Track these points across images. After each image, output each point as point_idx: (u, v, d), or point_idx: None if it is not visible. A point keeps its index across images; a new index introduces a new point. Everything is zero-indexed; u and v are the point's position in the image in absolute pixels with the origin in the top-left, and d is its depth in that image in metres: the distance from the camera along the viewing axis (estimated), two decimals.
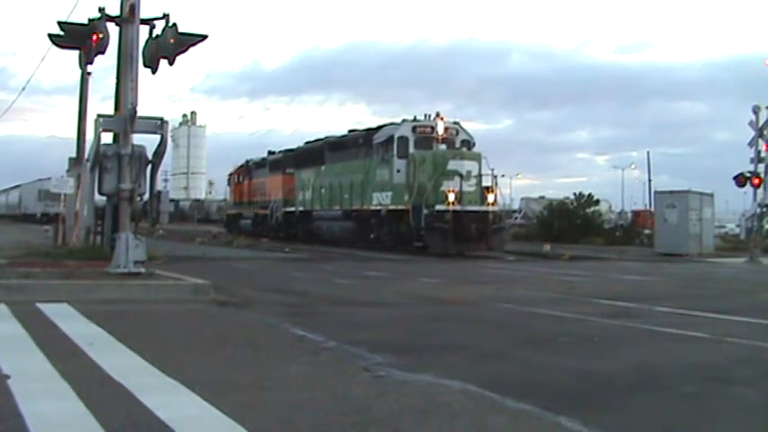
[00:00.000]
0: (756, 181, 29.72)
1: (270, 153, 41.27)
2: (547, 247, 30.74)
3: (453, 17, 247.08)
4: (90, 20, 13.63)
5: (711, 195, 34.05)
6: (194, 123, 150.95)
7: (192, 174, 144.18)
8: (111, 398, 5.02)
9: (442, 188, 25.44)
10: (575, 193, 44.98)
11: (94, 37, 13.49)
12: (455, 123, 28.59)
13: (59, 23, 14.31)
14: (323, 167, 32.90)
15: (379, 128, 29.41)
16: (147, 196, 13.70)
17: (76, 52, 14.80)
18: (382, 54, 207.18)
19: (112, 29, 13.72)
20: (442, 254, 24.70)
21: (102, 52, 13.77)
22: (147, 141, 13.61)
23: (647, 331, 9.13)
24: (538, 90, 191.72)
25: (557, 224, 41.30)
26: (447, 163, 26.01)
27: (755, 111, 30.06)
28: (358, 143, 30.20)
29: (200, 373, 5.95)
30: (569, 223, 41.19)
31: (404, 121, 28.52)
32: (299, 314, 10.00)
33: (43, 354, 6.45)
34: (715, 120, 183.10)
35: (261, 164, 41.56)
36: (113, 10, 13.75)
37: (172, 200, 75.92)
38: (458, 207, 25.18)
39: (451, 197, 25.16)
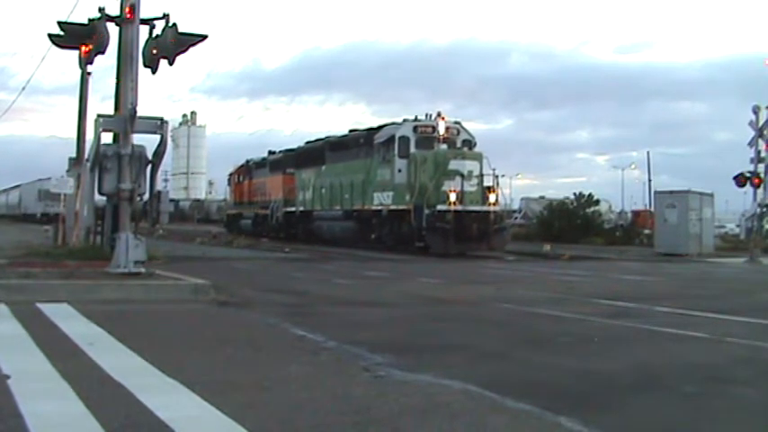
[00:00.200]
0: (756, 181, 29.73)
1: (270, 153, 41.26)
2: (547, 247, 30.73)
3: (453, 17, 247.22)
4: (90, 20, 13.63)
5: (711, 195, 34.05)
6: (194, 123, 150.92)
7: (192, 174, 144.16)
8: (111, 398, 5.02)
9: (444, 188, 25.43)
10: (575, 193, 45.03)
11: (94, 37, 13.50)
12: (456, 123, 28.58)
13: (59, 23, 14.32)
14: (323, 167, 32.89)
15: (380, 128, 29.40)
16: (147, 196, 13.70)
17: (76, 52, 14.80)
18: (382, 54, 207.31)
19: (112, 29, 13.73)
20: (443, 254, 24.70)
21: (102, 52, 13.77)
22: (147, 141, 13.63)
23: (647, 331, 9.13)
24: (538, 90, 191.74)
25: (557, 224, 41.30)
26: (448, 163, 26.01)
27: (755, 111, 30.05)
28: (359, 143, 30.18)
29: (200, 373, 5.95)
30: (569, 223, 41.19)
31: (405, 120, 28.51)
32: (299, 314, 10.00)
33: (43, 354, 6.45)
34: (715, 120, 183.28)
35: (261, 164, 41.55)
36: (113, 10, 13.77)
37: (172, 200, 75.92)
38: (459, 207, 25.18)
39: (453, 197, 25.17)
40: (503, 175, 28.28)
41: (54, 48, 14.91)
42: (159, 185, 15.45)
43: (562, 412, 4.91)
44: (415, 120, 28.21)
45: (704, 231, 32.24)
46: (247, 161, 43.94)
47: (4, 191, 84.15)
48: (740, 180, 29.72)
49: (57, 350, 6.61)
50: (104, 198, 14.04)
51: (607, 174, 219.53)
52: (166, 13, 13.25)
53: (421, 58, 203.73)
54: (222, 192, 60.29)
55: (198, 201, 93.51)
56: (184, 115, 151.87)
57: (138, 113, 13.06)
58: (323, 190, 32.69)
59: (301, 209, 34.91)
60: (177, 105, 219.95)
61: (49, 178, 26.76)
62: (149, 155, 13.42)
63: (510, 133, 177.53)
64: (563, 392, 5.77)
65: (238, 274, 17.31)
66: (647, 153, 79.76)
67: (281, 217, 36.75)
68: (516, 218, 53.20)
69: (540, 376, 6.42)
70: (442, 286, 15.28)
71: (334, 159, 32.22)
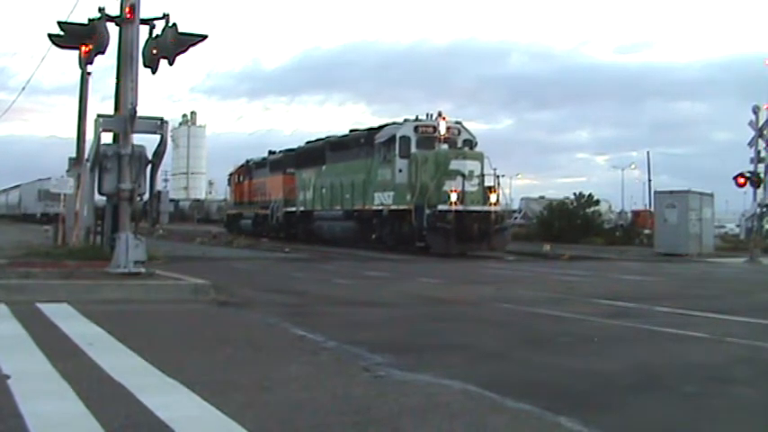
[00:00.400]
0: (756, 181, 29.72)
1: (270, 153, 41.25)
2: (547, 247, 30.73)
3: (453, 17, 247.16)
4: (90, 20, 13.63)
5: (711, 195, 34.04)
6: (194, 123, 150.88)
7: (192, 174, 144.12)
8: (111, 398, 5.02)
9: (445, 188, 25.42)
10: (575, 193, 45.04)
11: (94, 37, 13.50)
12: (457, 123, 28.57)
13: (59, 23, 14.32)
14: (324, 167, 32.89)
15: (381, 127, 29.40)
16: (147, 196, 13.71)
17: (76, 52, 14.80)
18: (382, 54, 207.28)
19: (112, 29, 13.73)
20: (443, 254, 24.70)
21: (102, 52, 13.77)
22: (147, 141, 13.63)
23: (647, 331, 9.13)
24: (538, 90, 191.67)
25: (557, 224, 41.30)
26: (449, 163, 26.00)
27: (755, 111, 30.05)
28: (359, 143, 30.17)
29: (200, 373, 5.95)
30: (569, 223, 41.19)
31: (406, 120, 28.50)
32: (299, 314, 10.00)
33: (43, 354, 6.45)
34: (715, 120, 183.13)
35: (261, 164, 41.55)
36: (113, 10, 13.77)
37: (172, 200, 75.92)
38: (460, 207, 25.17)
39: (454, 197, 25.16)
40: (503, 175, 28.20)
41: (54, 48, 14.91)
42: (159, 185, 15.44)
43: (562, 412, 4.91)
44: (416, 120, 28.20)
45: (704, 231, 32.24)
46: (247, 161, 43.93)
47: (4, 191, 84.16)
48: (740, 180, 29.73)
49: (57, 350, 6.61)
50: (104, 198, 14.04)
51: (607, 174, 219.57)
52: (166, 13, 13.26)
53: (421, 58, 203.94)
54: (222, 192, 60.31)
55: (198, 201, 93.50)
56: (184, 115, 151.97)
57: (138, 113, 13.06)
58: (323, 190, 32.69)
59: (302, 209, 34.90)
60: (177, 105, 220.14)
61: (49, 178, 26.76)
62: (149, 155, 13.43)
63: (510, 133, 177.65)
64: (563, 392, 5.77)
65: (238, 274, 17.31)
66: (647, 153, 79.87)
67: (281, 217, 36.75)
68: (516, 218, 53.16)
69: (540, 376, 6.42)
70: (443, 286, 15.28)
71: (334, 159, 32.21)
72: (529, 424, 4.78)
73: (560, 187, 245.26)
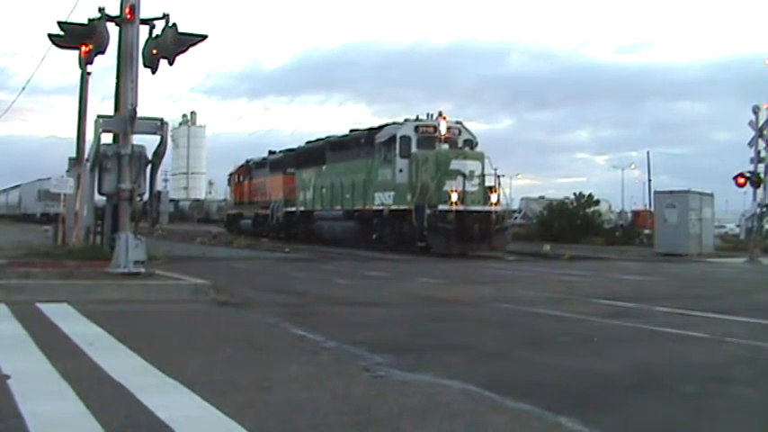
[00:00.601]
0: (756, 181, 29.72)
1: (270, 153, 41.24)
2: (547, 247, 30.73)
3: (453, 17, 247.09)
4: (90, 20, 13.63)
5: (711, 195, 34.04)
6: (194, 123, 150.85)
7: (192, 174, 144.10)
8: (111, 398, 5.02)
9: (445, 188, 25.42)
10: (575, 193, 45.05)
11: (94, 37, 13.50)
12: (458, 123, 28.57)
13: (59, 23, 14.32)
14: (324, 167, 32.89)
15: (381, 127, 29.39)
16: (146, 196, 13.71)
17: (76, 52, 14.80)
18: (382, 54, 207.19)
19: (112, 29, 13.73)
20: (444, 254, 24.70)
21: (102, 52, 13.78)
22: (147, 141, 13.64)
23: (647, 331, 9.13)
24: (538, 90, 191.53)
25: (557, 224, 41.31)
26: (450, 163, 26.00)
27: (755, 111, 30.06)
28: (360, 143, 30.17)
29: (200, 373, 5.95)
30: (569, 223, 41.20)
31: (406, 120, 28.49)
32: (299, 314, 10.00)
33: (43, 354, 6.45)
34: (715, 120, 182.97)
35: (261, 164, 41.55)
36: (113, 10, 13.77)
37: (172, 200, 75.93)
38: (461, 207, 25.17)
39: (454, 197, 25.16)
40: (503, 175, 28.16)
41: (54, 48, 14.92)
42: (159, 185, 15.44)
43: (562, 412, 4.91)
44: (417, 119, 28.20)
45: (704, 231, 32.24)
46: (247, 161, 43.93)
47: (4, 191, 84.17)
48: (740, 180, 29.73)
49: (57, 350, 6.61)
50: (104, 198, 14.05)
51: (607, 174, 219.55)
52: (166, 13, 13.26)
53: (421, 58, 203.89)
54: (222, 192, 60.33)
55: (198, 201, 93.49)
56: (184, 115, 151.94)
57: (138, 114, 13.07)
58: (323, 190, 32.68)
59: (302, 209, 34.90)
60: (177, 105, 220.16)
61: (49, 178, 26.77)
62: (149, 155, 13.43)
63: (510, 133, 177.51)
64: (563, 392, 5.77)
65: (238, 274, 17.31)
66: (647, 153, 79.81)
67: (281, 217, 36.75)
68: (516, 218, 53.17)
69: (541, 376, 6.42)
70: (443, 286, 15.28)
71: (334, 159, 32.21)
72: (529, 424, 4.77)
73: (560, 187, 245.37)
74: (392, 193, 27.43)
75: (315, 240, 32.90)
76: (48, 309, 9.24)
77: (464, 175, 25.66)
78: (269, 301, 11.81)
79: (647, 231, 39.82)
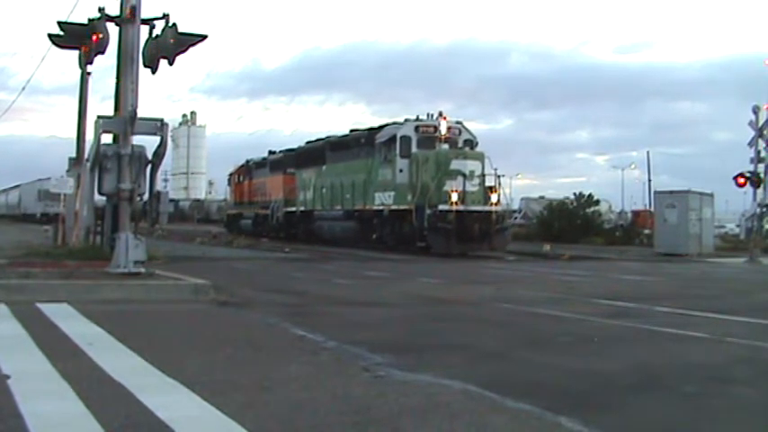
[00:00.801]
0: (756, 181, 29.72)
1: (270, 153, 41.24)
2: (547, 247, 30.73)
3: (453, 17, 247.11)
4: (90, 20, 13.64)
5: (711, 195, 34.05)
6: (194, 123, 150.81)
7: (192, 174, 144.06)
8: (111, 398, 5.02)
9: (445, 188, 25.41)
10: (575, 193, 45.07)
11: (94, 37, 13.50)
12: (458, 123, 28.57)
13: (59, 23, 14.33)
14: (324, 167, 32.89)
15: (382, 127, 29.39)
16: (146, 196, 13.71)
17: (76, 52, 14.80)
18: (382, 54, 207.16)
19: (112, 29, 13.73)
20: (444, 254, 24.70)
21: (102, 52, 13.78)
22: (147, 141, 13.64)
23: (647, 331, 9.13)
24: (538, 90, 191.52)
25: (557, 224, 41.31)
26: (450, 163, 26.00)
27: (755, 111, 30.06)
28: (360, 143, 30.17)
29: (200, 373, 5.95)
30: (569, 223, 41.21)
31: (406, 120, 28.49)
32: (299, 314, 10.00)
33: (43, 354, 6.45)
34: (715, 120, 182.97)
35: (261, 164, 41.54)
36: (113, 10, 13.77)
37: (172, 200, 75.89)
38: (461, 207, 25.17)
39: (454, 197, 25.16)
40: (503, 175, 28.16)
41: (54, 48, 14.92)
42: (159, 186, 15.44)
43: (562, 412, 4.91)
44: (417, 119, 28.20)
45: (704, 231, 32.25)
46: (247, 161, 43.93)
47: (4, 191, 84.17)
48: (740, 180, 29.73)
49: (57, 350, 6.61)
50: (104, 198, 14.05)
51: (607, 174, 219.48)
52: (166, 13, 13.26)
53: (421, 58, 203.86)
54: (222, 192, 60.35)
55: (198, 201, 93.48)
56: (184, 115, 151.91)
57: (138, 114, 13.06)
58: (324, 190, 32.68)
59: (302, 209, 34.90)
60: (177, 105, 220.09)
61: (49, 178, 26.76)
62: (149, 154, 13.43)
63: (510, 133, 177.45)
64: (563, 392, 5.77)
65: (238, 274, 17.31)
66: (647, 153, 79.77)
67: (281, 217, 36.75)
68: (516, 218, 53.18)
69: (541, 376, 6.42)
70: (443, 286, 15.28)
71: (334, 159, 32.21)
72: (529, 424, 4.78)
73: (560, 187, 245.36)
74: (392, 193, 27.42)
75: (315, 240, 32.90)
76: (48, 309, 9.24)
77: (464, 175, 25.66)
78: (269, 301, 11.81)
79: (647, 231, 39.83)
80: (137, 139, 13.35)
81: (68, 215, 19.73)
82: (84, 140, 20.43)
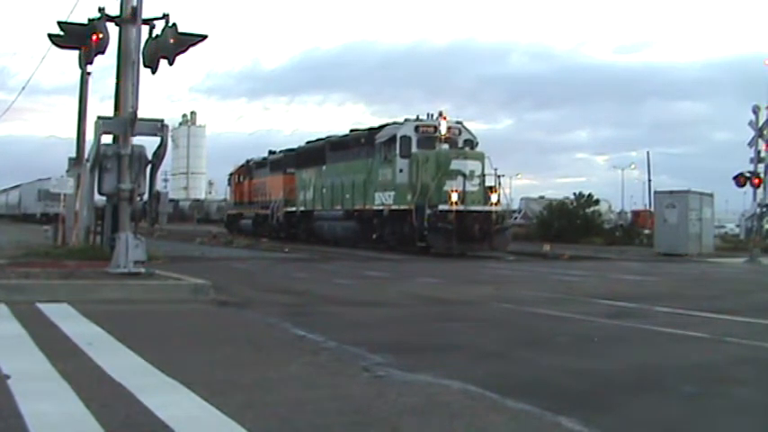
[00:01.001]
0: (756, 181, 29.74)
1: (270, 153, 41.24)
2: (547, 247, 30.73)
3: (452, 17, 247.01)
4: (90, 20, 13.64)
5: (711, 195, 34.04)
6: (194, 123, 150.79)
7: (192, 174, 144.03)
8: (111, 398, 5.02)
9: (445, 188, 25.41)
10: (574, 193, 45.07)
11: (94, 37, 13.51)
12: (458, 123, 28.56)
13: (59, 23, 14.33)
14: (324, 167, 32.89)
15: (382, 127, 29.39)
16: (146, 196, 13.72)
17: (76, 52, 14.81)
18: (382, 54, 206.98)
19: (112, 29, 13.73)
20: (444, 254, 24.69)
21: (102, 52, 13.78)
22: (147, 140, 13.65)
23: (646, 331, 9.13)
24: (538, 90, 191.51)
25: (556, 224, 41.33)
26: (450, 163, 25.99)
27: (755, 111, 30.12)
28: (360, 143, 30.17)
29: (200, 372, 5.95)
30: (569, 223, 41.22)
31: (406, 120, 28.49)
32: (300, 314, 10.00)
33: (43, 354, 6.45)
34: (715, 120, 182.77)
35: (261, 164, 41.54)
36: (113, 10, 13.77)
37: (171, 200, 75.97)
38: (461, 207, 25.17)
39: (455, 197, 25.16)
40: (503, 175, 28.16)
41: (54, 48, 14.92)
42: (159, 186, 15.45)
43: (562, 412, 4.91)
44: (417, 119, 28.20)
45: (704, 231, 32.24)
46: (247, 161, 43.92)
47: (4, 191, 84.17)
48: (740, 180, 29.75)
49: (57, 350, 6.61)
50: (104, 198, 14.05)
51: (607, 174, 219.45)
52: (166, 13, 13.26)
53: (420, 58, 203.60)
54: (222, 192, 60.26)
55: (198, 201, 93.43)
56: (184, 115, 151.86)
57: (139, 114, 13.06)
58: (324, 190, 32.69)
59: (302, 209, 34.90)
60: (176, 105, 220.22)
61: (49, 178, 26.80)
62: (149, 154, 13.43)
63: (510, 133, 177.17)
64: (563, 392, 5.77)
65: (238, 273, 17.31)
66: (647, 153, 79.93)
67: (281, 217, 36.74)
68: (516, 218, 53.17)
69: (541, 376, 6.42)
70: (443, 286, 15.28)
71: (335, 159, 32.21)
72: (529, 424, 4.78)
73: (560, 187, 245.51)
74: (392, 193, 27.43)
75: (315, 240, 32.90)
76: (48, 309, 9.24)
77: (464, 175, 25.66)
78: (269, 300, 11.81)
79: (646, 231, 39.84)
80: (137, 139, 13.37)
81: (68, 215, 19.73)
82: (84, 140, 20.43)
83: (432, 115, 28.23)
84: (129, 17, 13.52)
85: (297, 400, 5.13)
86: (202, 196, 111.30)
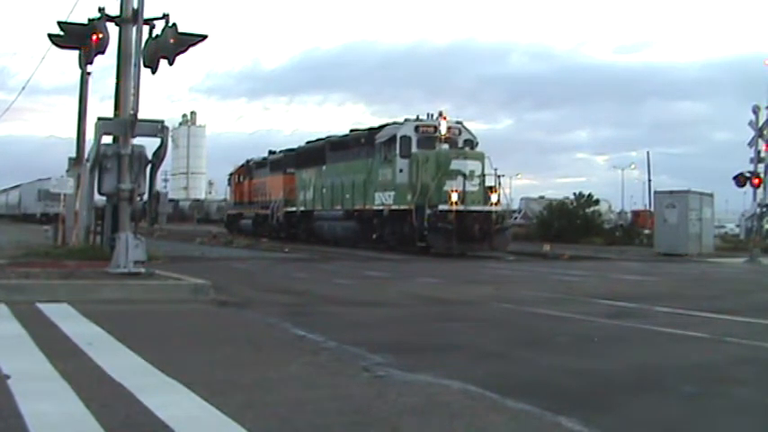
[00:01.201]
0: (756, 181, 29.74)
1: (270, 153, 41.23)
2: (547, 247, 30.73)
3: (452, 17, 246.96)
4: (90, 20, 13.65)
5: (711, 195, 34.04)
6: (194, 123, 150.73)
7: (192, 174, 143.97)
8: (111, 398, 5.02)
9: (445, 188, 25.41)
10: (574, 193, 45.08)
11: (94, 37, 13.51)
12: (458, 123, 28.56)
13: (59, 23, 14.34)
14: (324, 167, 32.88)
15: (382, 127, 29.39)
16: (146, 196, 13.72)
17: (76, 52, 14.81)
18: (382, 54, 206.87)
19: (112, 29, 13.73)
20: (444, 254, 24.69)
21: (102, 52, 13.79)
22: (147, 140, 13.65)
23: (647, 331, 9.13)
24: (538, 90, 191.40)
25: (556, 224, 41.33)
26: (450, 162, 25.99)
27: (755, 111, 30.12)
28: (360, 143, 30.17)
29: (200, 372, 5.95)
30: (569, 223, 41.22)
31: (406, 120, 28.49)
32: (299, 314, 9.99)
33: (43, 354, 6.45)
34: (715, 120, 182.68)
35: (261, 164, 41.54)
36: (113, 10, 13.77)
37: (171, 200, 76.01)
38: (461, 207, 25.17)
39: (454, 197, 25.15)
40: (503, 175, 28.16)
41: (54, 48, 14.93)
42: (159, 186, 15.46)
43: (562, 412, 4.91)
44: (417, 119, 28.19)
45: (704, 231, 32.24)
46: (248, 161, 43.92)
47: (4, 191, 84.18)
48: (740, 180, 29.75)
49: (57, 350, 6.61)
50: (104, 198, 14.05)
51: (607, 174, 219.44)
52: (166, 13, 13.27)
53: (420, 58, 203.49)
54: (222, 192, 60.30)
55: (198, 201, 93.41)
56: (184, 115, 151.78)
57: (139, 114, 13.05)
58: (324, 190, 32.68)
59: (302, 209, 34.90)
60: (176, 105, 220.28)
61: (49, 178, 26.76)
62: (149, 154, 13.44)
63: (510, 133, 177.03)
64: (563, 392, 5.77)
65: (238, 273, 17.31)
66: (647, 153, 79.91)
67: (281, 217, 36.74)
68: (516, 218, 53.17)
69: (540, 376, 6.42)
70: (443, 286, 15.28)
71: (335, 159, 32.21)
72: (529, 424, 4.78)
73: (560, 187, 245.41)
74: (392, 193, 27.43)
75: (315, 240, 32.90)
76: (48, 309, 9.24)
77: (464, 175, 25.65)
78: (269, 300, 11.81)
79: (646, 231, 39.84)
80: (137, 138, 13.35)
81: (68, 215, 19.72)
82: (84, 141, 20.39)
83: (432, 115, 28.24)
84: (130, 17, 13.51)
85: (297, 400, 5.13)
86: (202, 196, 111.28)
